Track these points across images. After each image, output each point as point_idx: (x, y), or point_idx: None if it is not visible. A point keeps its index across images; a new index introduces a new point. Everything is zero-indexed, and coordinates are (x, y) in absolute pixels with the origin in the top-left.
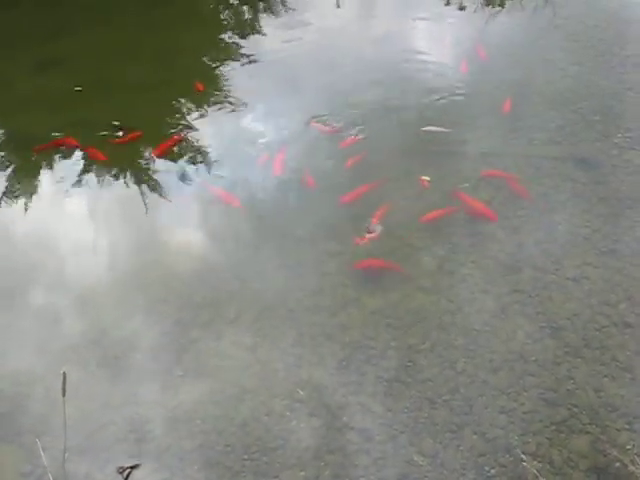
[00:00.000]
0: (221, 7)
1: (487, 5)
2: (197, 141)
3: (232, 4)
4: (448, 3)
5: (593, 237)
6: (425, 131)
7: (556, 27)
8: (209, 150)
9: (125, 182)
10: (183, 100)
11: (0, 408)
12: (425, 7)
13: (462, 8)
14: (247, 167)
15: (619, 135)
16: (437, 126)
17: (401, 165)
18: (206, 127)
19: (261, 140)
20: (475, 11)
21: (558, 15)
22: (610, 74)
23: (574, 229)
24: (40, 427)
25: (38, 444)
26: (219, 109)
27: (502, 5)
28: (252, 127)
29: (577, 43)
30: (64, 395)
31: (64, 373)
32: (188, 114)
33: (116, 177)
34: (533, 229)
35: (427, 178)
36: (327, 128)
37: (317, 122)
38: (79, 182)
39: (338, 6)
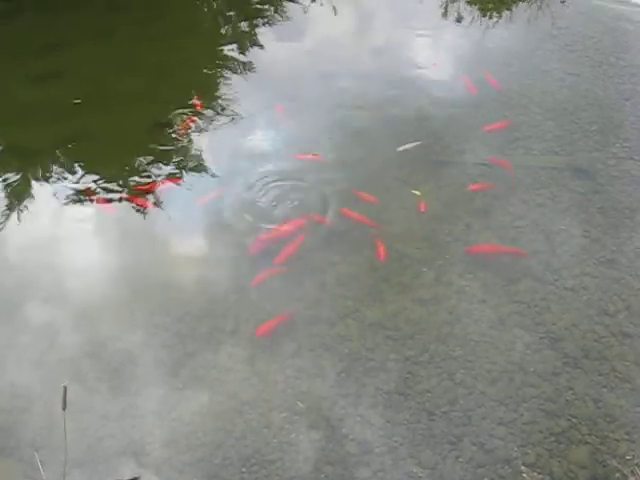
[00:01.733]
0: (219, 20)
1: (484, 16)
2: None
3: (230, 17)
4: (445, 15)
5: (591, 247)
6: (401, 151)
7: (553, 37)
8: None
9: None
10: (181, 112)
11: None
12: (421, 19)
13: (459, 19)
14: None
15: (617, 145)
16: (410, 142)
17: (391, 178)
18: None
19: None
20: (471, 22)
21: (555, 25)
22: (607, 84)
23: (572, 239)
24: (39, 440)
25: (36, 457)
26: (216, 127)
27: (499, 16)
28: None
29: (574, 53)
30: (64, 408)
31: (65, 387)
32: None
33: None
34: (531, 239)
35: (418, 193)
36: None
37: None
38: (79, 196)
39: (335, 14)
